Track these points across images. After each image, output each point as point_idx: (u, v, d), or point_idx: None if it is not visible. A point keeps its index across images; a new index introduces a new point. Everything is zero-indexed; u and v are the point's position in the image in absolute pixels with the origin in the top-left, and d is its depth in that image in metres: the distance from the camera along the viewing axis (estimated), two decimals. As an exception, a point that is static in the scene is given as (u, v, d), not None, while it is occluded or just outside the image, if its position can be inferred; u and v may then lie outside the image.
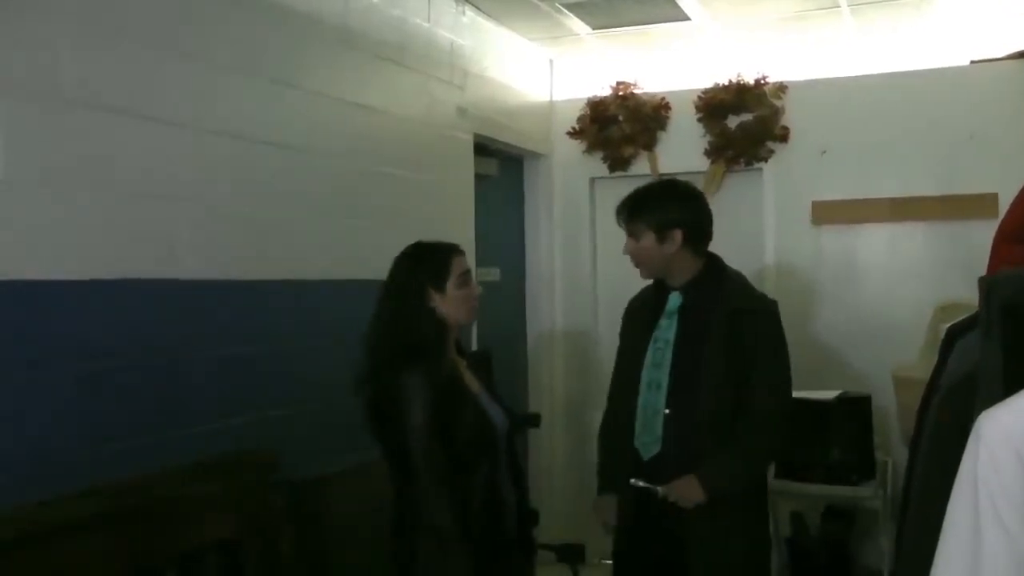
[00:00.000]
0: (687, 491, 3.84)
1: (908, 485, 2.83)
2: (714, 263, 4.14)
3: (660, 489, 3.87)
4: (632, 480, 3.96)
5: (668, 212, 4.05)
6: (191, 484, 3.57)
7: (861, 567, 5.94)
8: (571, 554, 5.57)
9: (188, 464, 3.63)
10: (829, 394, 5.68)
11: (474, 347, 3.65)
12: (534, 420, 6.14)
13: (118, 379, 3.44)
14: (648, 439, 4.00)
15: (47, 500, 3.04)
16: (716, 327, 3.94)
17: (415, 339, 3.35)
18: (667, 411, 3.97)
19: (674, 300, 4.09)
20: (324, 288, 4.49)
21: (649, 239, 4.03)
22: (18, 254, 3.09)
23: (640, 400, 4.05)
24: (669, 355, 4.02)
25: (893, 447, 5.89)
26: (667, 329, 4.06)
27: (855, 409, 5.70)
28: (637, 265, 4.14)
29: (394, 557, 3.33)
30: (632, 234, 4.09)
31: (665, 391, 3.98)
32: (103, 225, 3.39)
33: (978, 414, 1.83)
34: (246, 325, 4.05)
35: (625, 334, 4.33)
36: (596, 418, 6.93)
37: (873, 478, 5.66)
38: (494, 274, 6.41)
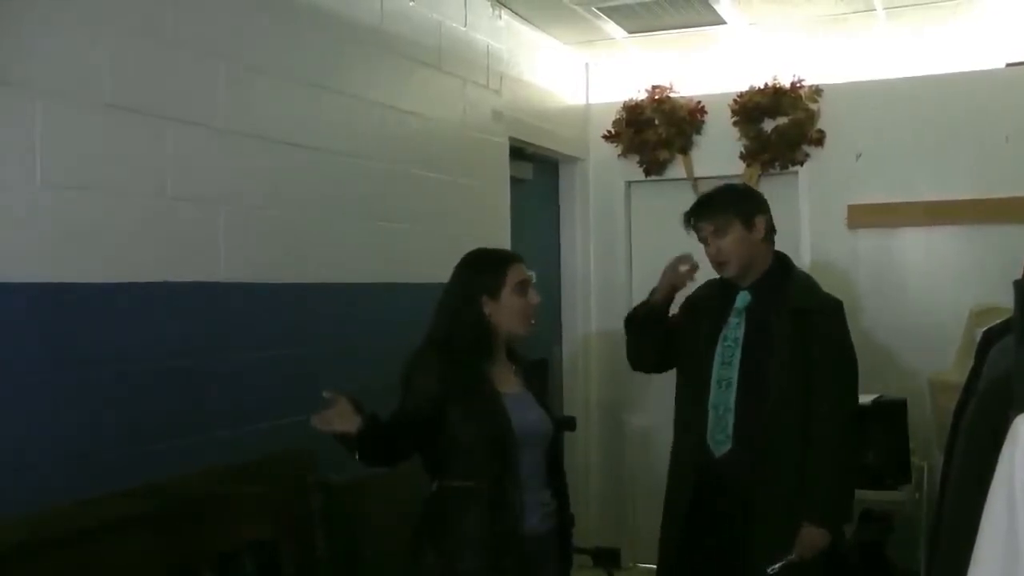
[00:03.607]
0: (812, 542, 3.93)
1: (943, 487, 2.83)
2: (782, 262, 4.20)
3: (792, 557, 3.91)
4: (769, 570, 3.93)
5: (750, 201, 4.18)
6: (228, 485, 3.60)
7: (897, 571, 5.91)
8: (606, 558, 5.57)
9: (225, 465, 3.66)
10: (865, 398, 5.64)
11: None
12: (569, 424, 6.15)
13: (155, 381, 3.46)
14: (720, 436, 4.04)
15: (86, 501, 3.07)
16: (780, 326, 4.00)
17: (453, 340, 3.38)
18: (737, 409, 4.01)
19: (742, 298, 4.13)
20: (360, 291, 4.51)
21: (736, 229, 4.08)
22: (56, 257, 3.12)
23: (711, 398, 4.08)
24: (738, 353, 4.06)
25: (929, 451, 5.86)
26: (736, 327, 4.11)
27: (891, 413, 5.67)
28: (723, 262, 4.13)
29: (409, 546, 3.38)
30: (717, 230, 4.10)
31: (735, 389, 4.03)
32: (141, 228, 3.42)
33: (1014, 416, 1.84)
34: (283, 328, 4.07)
35: (689, 329, 4.30)
36: (630, 422, 7.00)
37: (909, 482, 5.63)
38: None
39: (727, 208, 4.12)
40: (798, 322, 3.98)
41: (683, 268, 4.19)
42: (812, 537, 3.91)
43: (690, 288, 4.33)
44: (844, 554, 5.81)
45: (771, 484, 3.95)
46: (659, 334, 4.32)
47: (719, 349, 4.11)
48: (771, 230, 4.17)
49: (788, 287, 4.11)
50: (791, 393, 3.94)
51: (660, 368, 4.50)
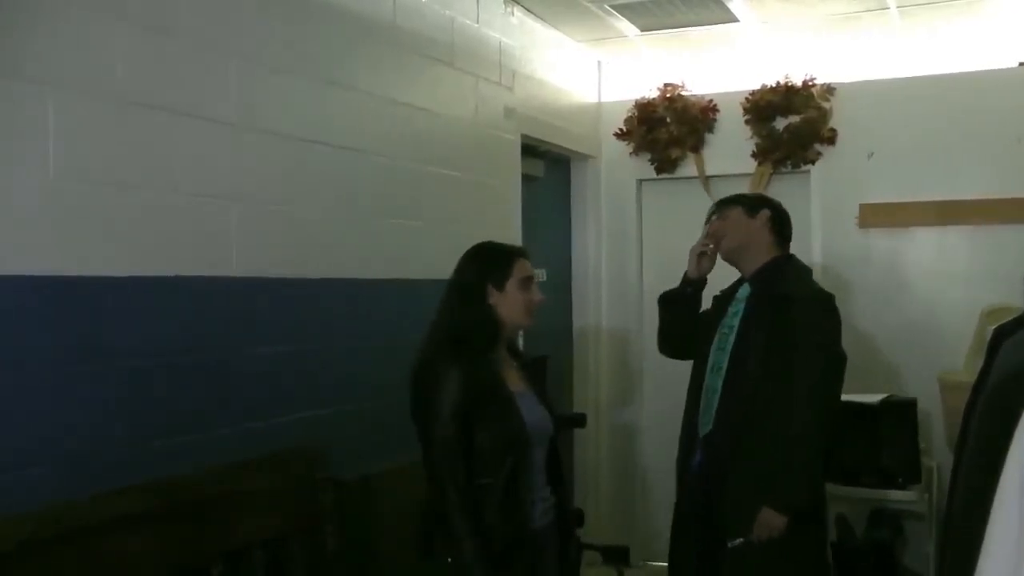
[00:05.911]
0: (769, 524, 4.03)
1: (953, 483, 2.82)
2: (788, 258, 4.38)
3: (752, 537, 4.04)
4: (729, 543, 4.10)
5: (761, 199, 4.48)
6: (238, 481, 3.60)
7: (907, 571, 5.91)
8: (616, 555, 5.57)
9: (235, 461, 3.66)
10: (874, 397, 5.66)
11: (520, 345, 3.67)
12: (580, 420, 6.15)
13: (167, 376, 3.47)
14: (706, 418, 4.24)
15: (95, 496, 3.08)
16: (766, 312, 4.16)
17: (463, 334, 3.38)
18: (722, 392, 4.19)
19: (743, 289, 4.34)
20: (372, 287, 4.52)
21: (738, 212, 4.33)
22: (69, 251, 3.13)
23: (706, 381, 4.28)
24: (732, 340, 4.24)
25: (939, 452, 5.86)
26: (733, 316, 4.30)
27: (901, 413, 5.66)
28: (718, 241, 4.38)
29: (419, 544, 3.38)
30: (722, 214, 4.39)
31: (724, 374, 4.20)
32: (154, 223, 3.43)
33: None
34: (295, 323, 4.08)
35: (705, 320, 4.49)
36: (640, 419, 6.99)
37: (919, 482, 5.62)
38: (540, 275, 6.38)
39: (738, 198, 4.46)
40: (784, 310, 4.12)
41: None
42: (769, 520, 4.01)
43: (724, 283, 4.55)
44: (854, 554, 5.82)
45: (743, 464, 4.09)
46: (687, 313, 4.51)
47: (717, 336, 4.30)
48: (778, 227, 4.34)
49: (783, 278, 4.26)
50: (771, 379, 4.06)
51: (684, 353, 4.61)
